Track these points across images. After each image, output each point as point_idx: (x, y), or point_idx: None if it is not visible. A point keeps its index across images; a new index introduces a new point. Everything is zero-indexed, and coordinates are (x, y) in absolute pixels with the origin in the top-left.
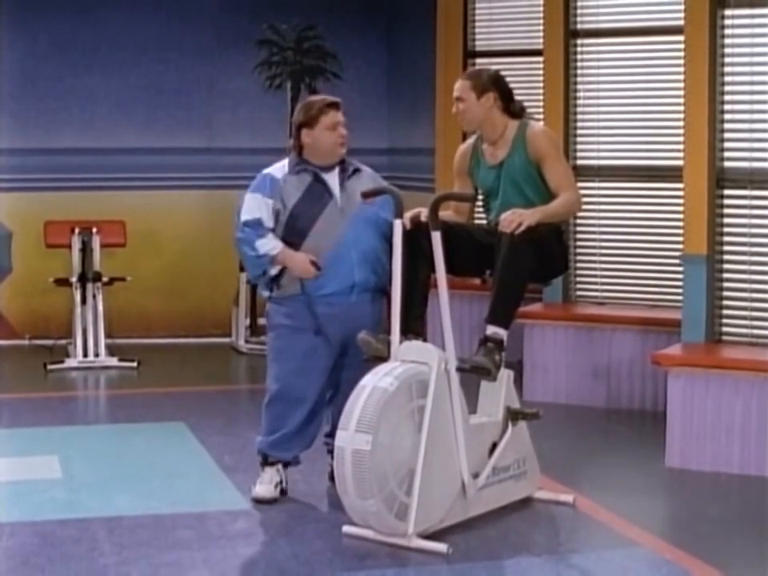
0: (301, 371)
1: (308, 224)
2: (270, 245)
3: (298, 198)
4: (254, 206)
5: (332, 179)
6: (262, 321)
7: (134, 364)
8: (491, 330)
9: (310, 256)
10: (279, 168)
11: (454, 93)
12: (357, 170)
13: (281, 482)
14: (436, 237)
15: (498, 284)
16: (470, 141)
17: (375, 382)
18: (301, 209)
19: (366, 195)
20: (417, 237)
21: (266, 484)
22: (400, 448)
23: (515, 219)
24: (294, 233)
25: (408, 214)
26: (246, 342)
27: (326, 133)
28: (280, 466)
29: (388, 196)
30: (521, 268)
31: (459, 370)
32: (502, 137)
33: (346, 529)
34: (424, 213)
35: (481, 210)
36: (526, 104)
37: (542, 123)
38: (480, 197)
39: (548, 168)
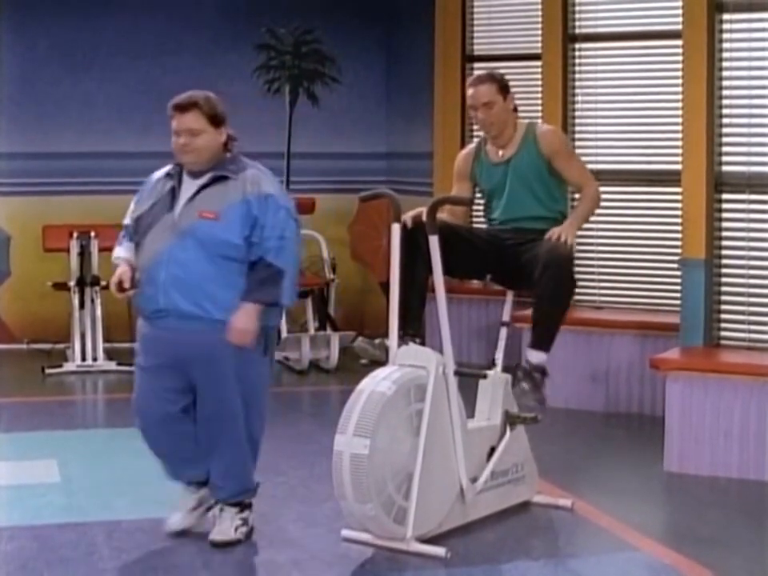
0: (145, 391)
1: (142, 236)
2: (117, 253)
3: (149, 205)
4: (129, 210)
5: (189, 188)
6: None
7: (133, 368)
8: (537, 357)
9: (124, 273)
10: (163, 170)
11: (481, 99)
12: (223, 178)
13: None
14: (433, 240)
15: (544, 310)
16: (472, 145)
17: (373, 386)
18: (144, 218)
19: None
20: (416, 238)
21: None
22: (398, 452)
23: (559, 235)
24: (135, 243)
25: (410, 213)
26: None
27: (174, 138)
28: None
29: (243, 211)
30: (564, 291)
31: (457, 373)
32: (511, 137)
33: (345, 533)
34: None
35: (479, 214)
36: (525, 108)
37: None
38: (481, 199)
39: (564, 164)
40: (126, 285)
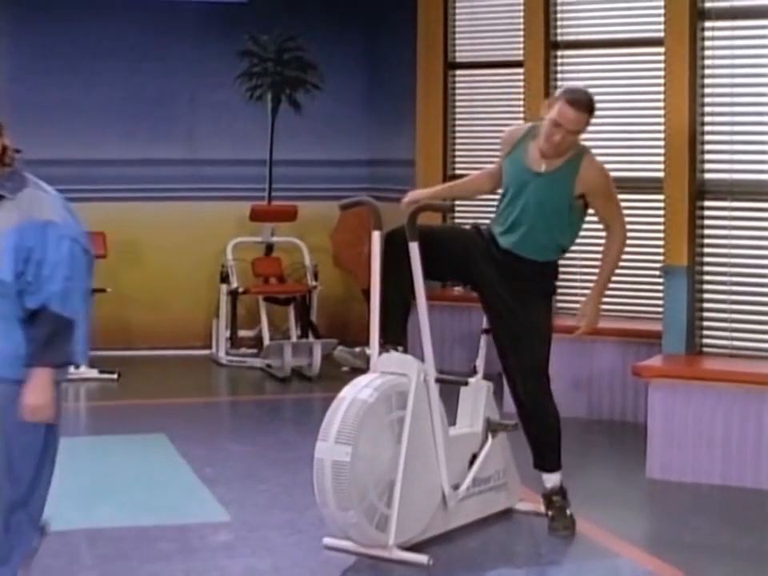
0: None
1: None
2: None
3: None
4: None
5: None
6: (242, 333)
7: (115, 376)
8: (549, 480)
9: None
10: None
11: (571, 126)
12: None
13: None
14: (414, 248)
15: (538, 435)
16: (524, 128)
17: (355, 393)
18: None
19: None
20: (397, 245)
21: None
22: (380, 459)
23: (594, 320)
24: None
25: (411, 196)
26: (227, 354)
27: None
28: None
29: (16, 241)
30: (551, 413)
31: (439, 381)
32: (560, 154)
33: (327, 540)
34: (425, 196)
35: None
36: (506, 115)
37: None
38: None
39: (601, 203)
40: None
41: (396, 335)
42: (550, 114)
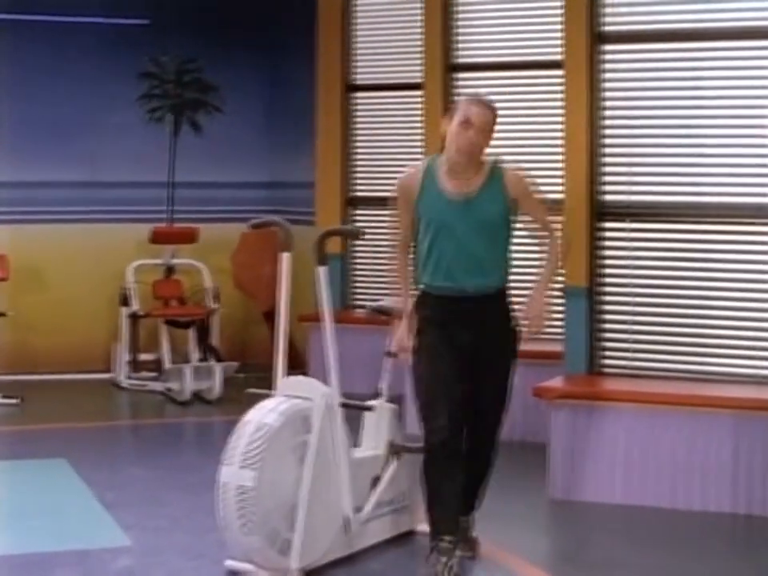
0: None
1: None
2: None
3: None
4: None
5: None
6: (142, 357)
7: (16, 401)
8: (471, 519)
9: None
10: None
11: (482, 123)
12: None
13: None
14: (322, 271)
15: (483, 482)
16: (419, 165)
17: (260, 417)
18: None
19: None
20: (454, 445)
21: None
22: (284, 484)
23: (540, 321)
24: None
25: (396, 341)
26: (128, 377)
27: None
28: None
29: None
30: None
31: (343, 405)
32: (477, 172)
33: (229, 564)
34: (407, 338)
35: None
36: (406, 137)
37: None
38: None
39: (532, 207)
40: None
41: (452, 527)
42: (453, 122)
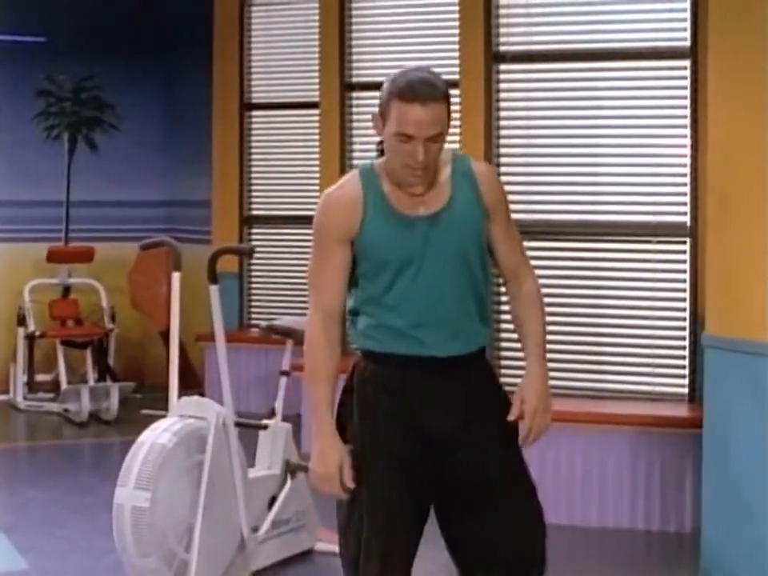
0: None
1: None
2: None
3: None
4: None
5: None
6: (39, 377)
7: None
8: None
9: None
10: None
11: (430, 129)
12: None
13: None
14: (214, 290)
15: None
16: (352, 181)
17: (153, 438)
18: None
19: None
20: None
21: None
22: (179, 504)
23: (546, 416)
24: None
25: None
26: (24, 398)
27: None
28: None
29: None
30: None
31: (238, 425)
32: (437, 174)
33: None
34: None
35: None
36: (303, 156)
37: None
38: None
39: (504, 226)
40: None
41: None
42: (389, 125)
